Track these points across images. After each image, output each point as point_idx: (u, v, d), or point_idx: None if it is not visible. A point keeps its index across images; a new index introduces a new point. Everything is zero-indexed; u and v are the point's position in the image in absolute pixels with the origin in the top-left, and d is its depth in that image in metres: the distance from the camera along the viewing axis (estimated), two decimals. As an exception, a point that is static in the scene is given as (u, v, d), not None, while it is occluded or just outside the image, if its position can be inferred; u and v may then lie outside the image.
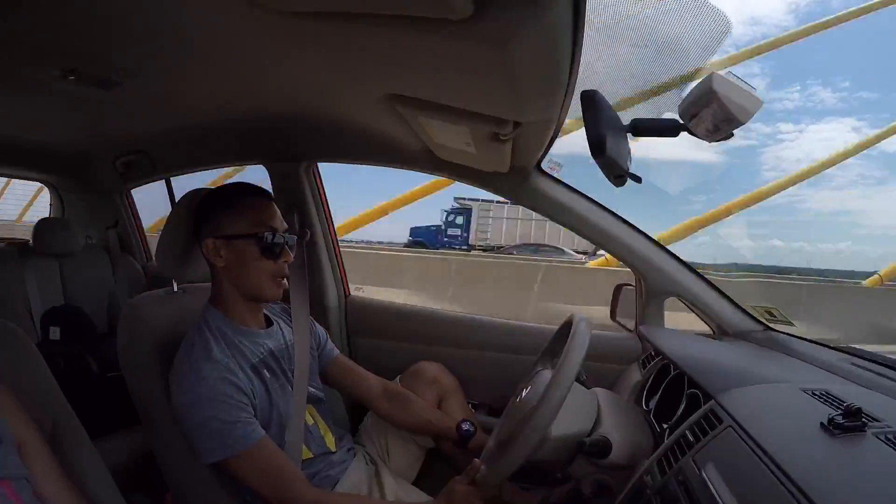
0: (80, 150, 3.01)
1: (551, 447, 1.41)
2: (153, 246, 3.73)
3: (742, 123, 1.05)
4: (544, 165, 1.97)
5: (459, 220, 28.80)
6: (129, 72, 1.71)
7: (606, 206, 2.06)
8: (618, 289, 2.31)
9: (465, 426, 1.80)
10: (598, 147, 1.10)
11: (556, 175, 2.02)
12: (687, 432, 1.24)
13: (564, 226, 2.06)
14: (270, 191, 2.36)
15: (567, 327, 1.56)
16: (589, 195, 2.05)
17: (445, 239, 27.92)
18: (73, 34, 1.43)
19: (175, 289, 1.77)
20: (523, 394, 1.55)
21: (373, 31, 1.01)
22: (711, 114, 1.05)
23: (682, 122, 1.13)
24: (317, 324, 1.93)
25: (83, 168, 3.26)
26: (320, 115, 1.90)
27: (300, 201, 2.42)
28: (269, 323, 1.74)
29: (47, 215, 3.76)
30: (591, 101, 1.09)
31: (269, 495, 1.47)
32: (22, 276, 3.06)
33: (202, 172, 2.97)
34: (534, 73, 1.06)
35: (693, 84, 1.09)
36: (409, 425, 1.88)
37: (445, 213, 29.41)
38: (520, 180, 1.99)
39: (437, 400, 2.00)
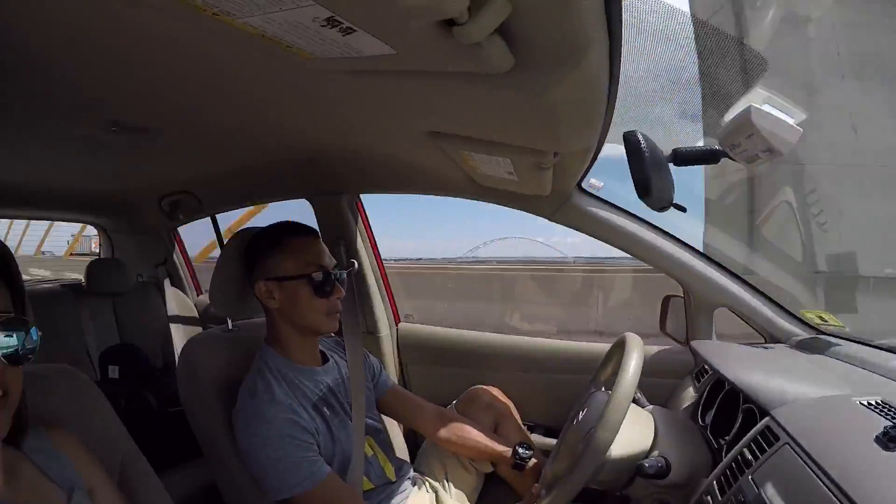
0: (126, 192, 3.11)
1: (610, 470, 1.41)
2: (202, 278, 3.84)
3: (782, 154, 1.04)
4: (585, 185, 1.98)
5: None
6: (169, 119, 1.76)
7: (647, 220, 2.05)
8: (666, 300, 2.27)
9: (522, 449, 1.80)
10: (643, 188, 1.11)
11: (596, 193, 2.02)
12: (745, 450, 1.24)
13: (606, 242, 2.05)
14: (314, 223, 2.42)
15: (619, 347, 1.57)
16: (630, 210, 2.05)
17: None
18: (114, 89, 1.47)
19: (230, 326, 1.82)
20: (580, 416, 1.56)
21: (416, 82, 1.03)
22: (752, 144, 1.05)
23: (721, 149, 1.14)
24: (370, 355, 1.95)
25: (130, 209, 3.38)
26: (361, 150, 1.92)
27: (345, 233, 2.45)
28: (324, 359, 1.77)
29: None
30: (633, 143, 1.09)
31: None
32: (78, 317, 3.19)
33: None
34: (573, 111, 1.08)
35: (733, 113, 1.09)
36: (466, 451, 1.88)
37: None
38: (561, 201, 1.99)
39: (493, 424, 1.99)
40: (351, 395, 1.73)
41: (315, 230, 1.69)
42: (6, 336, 0.88)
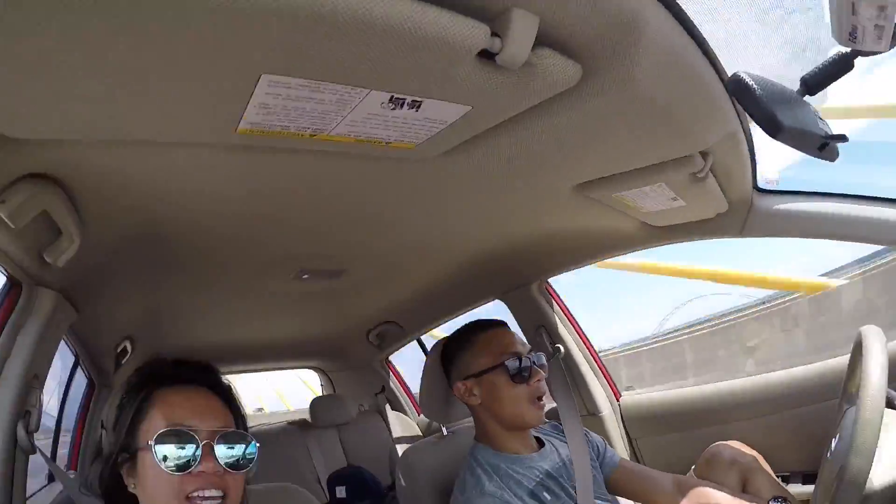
0: (334, 333, 3.39)
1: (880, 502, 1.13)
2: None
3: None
4: (761, 184, 1.74)
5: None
6: (350, 260, 1.95)
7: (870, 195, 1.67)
8: None
9: None
10: (772, 126, 0.92)
11: (776, 188, 1.71)
12: None
13: (821, 236, 1.64)
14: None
15: (858, 347, 1.29)
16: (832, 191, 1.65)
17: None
18: (296, 244, 1.69)
19: (444, 433, 1.86)
20: (832, 445, 1.24)
21: (524, 134, 1.11)
22: (866, 17, 0.84)
23: (846, 48, 0.93)
24: (592, 433, 1.83)
25: (341, 348, 3.67)
26: (525, 235, 1.93)
27: (543, 320, 2.40)
28: (540, 444, 1.70)
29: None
30: (741, 85, 0.93)
31: None
32: (306, 448, 3.42)
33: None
34: (673, 92, 1.05)
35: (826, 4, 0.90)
36: None
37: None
38: (744, 212, 1.74)
39: (741, 482, 1.69)
40: (575, 477, 1.62)
41: (501, 321, 1.71)
42: (229, 448, 1.04)
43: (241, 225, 1.48)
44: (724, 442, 1.82)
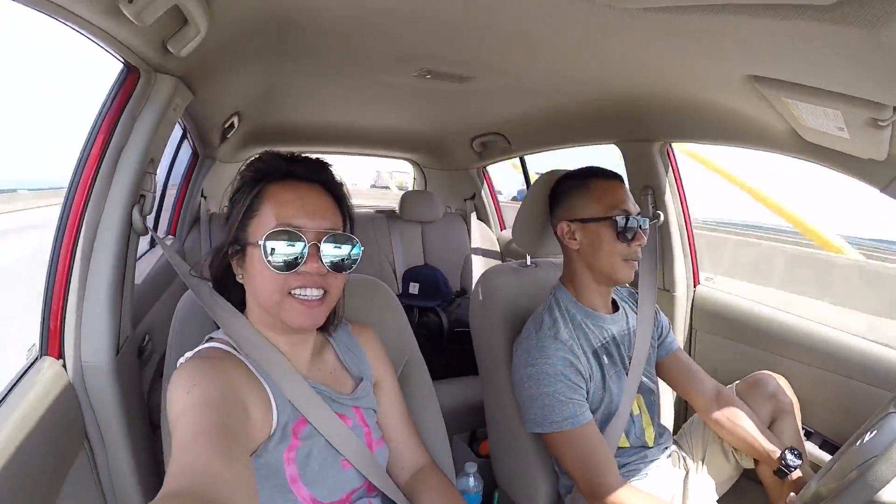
0: (440, 133, 3.43)
1: None
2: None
3: None
4: None
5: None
6: (480, 68, 1.87)
7: None
8: None
9: (792, 456, 1.56)
10: None
11: None
12: None
13: None
14: (623, 171, 2.33)
15: None
16: None
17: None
18: (429, 43, 1.62)
19: (528, 262, 1.92)
20: (866, 438, 1.23)
21: (729, 18, 0.96)
22: None
23: None
24: (661, 312, 1.87)
25: (443, 148, 3.73)
26: (673, 95, 1.81)
27: (654, 182, 2.33)
28: (615, 308, 1.75)
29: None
30: None
31: (577, 476, 1.50)
32: (389, 238, 3.62)
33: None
34: None
35: None
36: (732, 439, 1.71)
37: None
38: None
39: (770, 418, 1.76)
40: (633, 350, 1.70)
41: (620, 176, 1.68)
42: (335, 248, 1.09)
43: (371, 16, 1.44)
44: (773, 374, 1.84)
